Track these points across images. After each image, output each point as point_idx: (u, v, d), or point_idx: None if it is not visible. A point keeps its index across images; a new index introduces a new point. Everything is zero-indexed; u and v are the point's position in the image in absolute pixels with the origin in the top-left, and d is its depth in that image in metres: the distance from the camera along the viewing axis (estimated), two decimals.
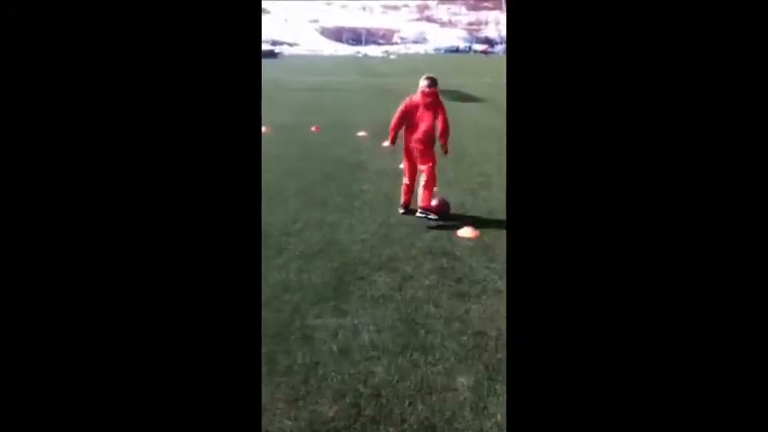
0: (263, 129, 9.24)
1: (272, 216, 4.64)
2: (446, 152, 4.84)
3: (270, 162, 6.71)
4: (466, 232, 4.36)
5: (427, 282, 3.49)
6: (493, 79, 21.46)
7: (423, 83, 4.70)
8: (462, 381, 2.43)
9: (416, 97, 4.69)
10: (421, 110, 4.63)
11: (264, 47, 50.50)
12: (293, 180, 5.99)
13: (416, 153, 4.71)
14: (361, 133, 9.11)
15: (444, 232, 4.42)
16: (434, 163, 4.69)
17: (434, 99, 4.66)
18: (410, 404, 2.27)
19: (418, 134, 4.63)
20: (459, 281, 3.51)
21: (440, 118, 4.63)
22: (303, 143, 8.28)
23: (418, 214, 4.63)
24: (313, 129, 9.56)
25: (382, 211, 4.99)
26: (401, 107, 4.72)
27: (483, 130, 9.65)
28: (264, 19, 73.58)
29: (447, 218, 4.72)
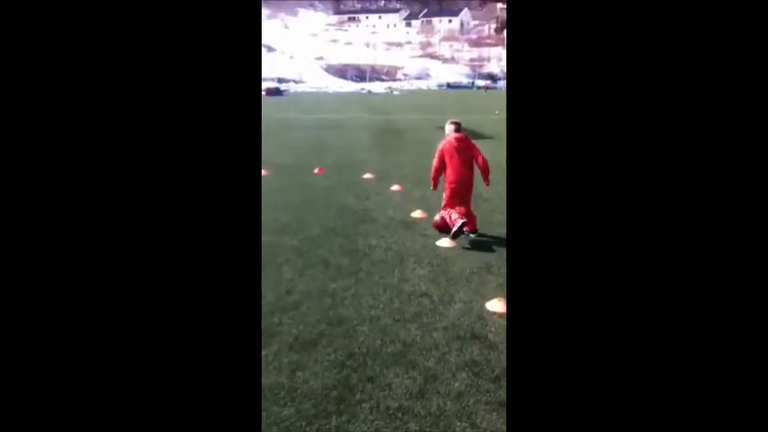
0: (264, 172, 8.63)
1: (263, 285, 3.90)
2: (487, 184, 5.35)
3: (266, 211, 6.03)
4: (497, 306, 3.59)
5: (457, 383, 2.70)
6: (502, 114, 21.02)
7: (449, 128, 5.19)
8: None
9: (450, 140, 5.10)
10: (458, 154, 5.04)
11: (270, 84, 50.98)
12: (291, 235, 5.27)
13: (459, 194, 5.07)
14: (367, 176, 8.46)
15: (471, 304, 3.66)
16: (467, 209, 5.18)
17: (467, 143, 5.13)
18: None
19: (457, 177, 5.04)
20: (497, 381, 2.73)
21: (478, 157, 5.13)
22: (305, 188, 7.61)
23: (455, 230, 4.96)
24: (316, 171, 8.92)
25: (394, 273, 4.24)
26: (439, 152, 5.12)
27: (498, 169, 8.96)
28: (270, 56, 74.87)
29: (472, 284, 3.97)
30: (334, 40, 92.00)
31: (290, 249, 4.82)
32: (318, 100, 36.61)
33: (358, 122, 19.04)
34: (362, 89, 58.72)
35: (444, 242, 5.00)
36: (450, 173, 5.06)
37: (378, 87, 61.20)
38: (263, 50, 76.25)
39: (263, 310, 3.50)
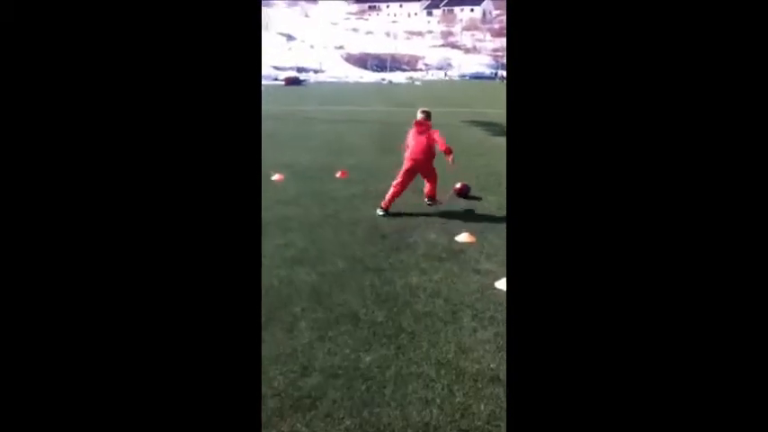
0: (276, 176, 7.54)
1: (269, 351, 2.81)
2: (452, 161, 5.77)
3: (277, 233, 4.92)
4: None
5: None
6: None
7: (420, 116, 5.87)
8: None
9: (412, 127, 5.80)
10: (417, 137, 5.74)
11: (290, 73, 49.95)
12: (308, 267, 4.17)
13: (420, 166, 5.77)
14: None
15: None
16: (436, 176, 6.02)
17: (426, 128, 5.78)
18: None
19: (415, 156, 5.71)
20: None
21: (438, 142, 5.70)
22: (325, 198, 6.50)
23: (428, 202, 6.09)
24: (338, 174, 7.81)
25: (447, 337, 3.12)
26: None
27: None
28: (290, 45, 73.78)
29: None
30: (355, 29, 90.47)
31: (306, 290, 3.72)
32: (338, 90, 35.33)
33: (381, 115, 17.84)
34: (383, 79, 57.26)
35: (505, 284, 3.86)
36: (409, 152, 5.73)
37: (399, 77, 59.66)
38: (283, 39, 75.30)
39: (269, 404, 2.41)
